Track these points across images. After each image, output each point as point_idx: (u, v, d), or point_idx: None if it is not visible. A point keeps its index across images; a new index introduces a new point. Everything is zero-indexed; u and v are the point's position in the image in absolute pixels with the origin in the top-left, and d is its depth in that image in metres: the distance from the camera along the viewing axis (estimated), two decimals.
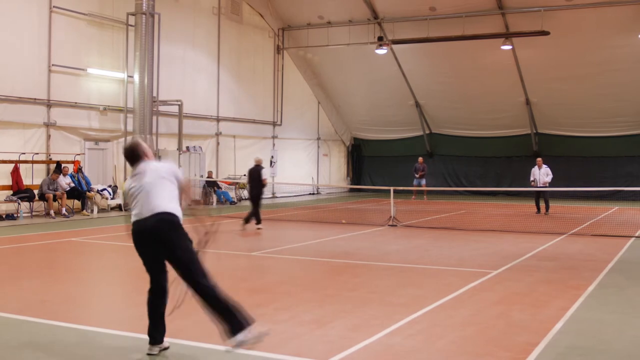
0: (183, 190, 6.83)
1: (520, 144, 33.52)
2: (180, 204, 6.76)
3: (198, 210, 7.04)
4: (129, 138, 23.98)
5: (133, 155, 6.89)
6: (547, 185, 22.76)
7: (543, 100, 31.77)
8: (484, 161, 34.41)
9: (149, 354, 6.57)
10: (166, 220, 6.53)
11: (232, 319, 6.28)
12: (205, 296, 6.37)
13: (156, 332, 6.63)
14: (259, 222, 17.82)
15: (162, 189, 6.64)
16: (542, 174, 22.88)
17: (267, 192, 31.61)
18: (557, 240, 16.20)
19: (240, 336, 6.23)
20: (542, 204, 23.19)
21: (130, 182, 6.82)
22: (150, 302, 6.67)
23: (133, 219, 6.71)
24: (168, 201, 6.60)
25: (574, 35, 28.17)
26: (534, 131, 33.30)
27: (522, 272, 11.67)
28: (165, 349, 6.66)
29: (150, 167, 6.79)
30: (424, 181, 31.16)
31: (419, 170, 31.44)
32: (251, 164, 18.18)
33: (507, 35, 28.83)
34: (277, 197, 32.18)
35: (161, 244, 6.52)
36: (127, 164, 22.17)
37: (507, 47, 29.33)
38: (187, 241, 6.53)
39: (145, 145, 6.95)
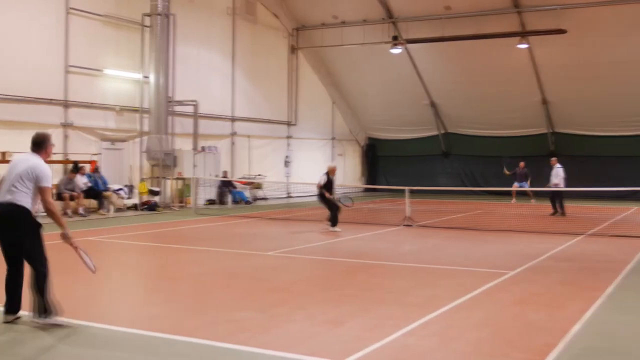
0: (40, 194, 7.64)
1: (537, 144, 33.31)
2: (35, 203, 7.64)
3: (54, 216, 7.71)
4: (145, 138, 24.12)
5: (34, 144, 7.87)
6: (558, 186, 22.48)
7: (560, 99, 31.59)
8: (499, 161, 34.21)
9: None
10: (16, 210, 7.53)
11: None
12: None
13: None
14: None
15: (20, 184, 7.56)
16: (552, 175, 22.70)
17: (282, 192, 31.72)
18: (574, 241, 16.08)
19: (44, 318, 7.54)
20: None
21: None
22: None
23: None
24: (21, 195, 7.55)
25: (591, 33, 27.96)
26: (550, 130, 33.14)
27: (539, 273, 11.60)
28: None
29: (28, 160, 7.70)
30: (526, 185, 28.35)
31: (520, 176, 28.85)
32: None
33: (523, 34, 28.70)
34: (292, 196, 32.16)
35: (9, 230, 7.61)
36: (144, 164, 22.50)
37: (523, 46, 29.16)
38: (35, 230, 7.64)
39: (48, 144, 7.92)
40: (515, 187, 28.29)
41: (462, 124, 35.23)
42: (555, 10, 26.98)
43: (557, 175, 22.54)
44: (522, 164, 28.98)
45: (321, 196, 18.24)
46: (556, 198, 22.90)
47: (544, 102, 32.06)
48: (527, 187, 27.94)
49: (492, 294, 9.76)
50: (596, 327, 7.85)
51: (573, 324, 7.87)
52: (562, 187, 22.62)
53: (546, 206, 24.09)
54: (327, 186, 18.31)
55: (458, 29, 28.89)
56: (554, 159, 23.44)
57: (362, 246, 15.11)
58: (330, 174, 18.45)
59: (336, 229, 17.74)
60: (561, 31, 26.80)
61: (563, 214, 22.61)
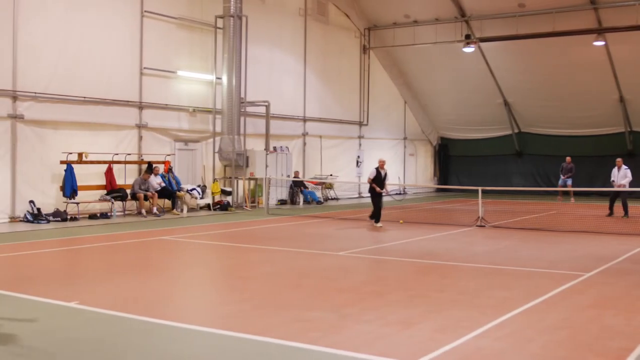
0: None
1: (614, 143, 32.45)
2: None
3: None
4: (218, 139, 24.47)
5: None
6: (625, 186, 22.02)
7: (638, 97, 30.69)
8: (575, 161, 33.44)
9: None
10: None
11: None
12: None
13: None
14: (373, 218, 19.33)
15: None
16: (620, 176, 22.19)
17: (353, 192, 31.77)
18: None
19: None
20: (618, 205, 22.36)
21: None
22: None
23: None
24: None
25: None
26: (629, 129, 32.25)
27: (616, 275, 11.31)
28: None
29: None
30: (570, 181, 28.97)
31: (566, 171, 29.32)
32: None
33: (600, 31, 28.02)
34: (363, 196, 32.12)
35: None
36: (217, 164, 22.88)
37: (600, 43, 28.49)
38: None
39: None
40: (561, 186, 28.79)
41: (536, 123, 34.60)
42: (633, 6, 26.25)
43: (626, 176, 22.08)
44: (568, 158, 28.83)
45: (371, 190, 19.19)
46: (619, 199, 22.39)
47: (622, 100, 31.21)
48: (570, 185, 28.38)
49: (567, 296, 9.55)
50: None
51: None
52: (627, 188, 22.12)
53: (616, 207, 23.25)
54: (377, 180, 19.08)
55: (532, 26, 28.40)
56: (619, 159, 22.84)
57: (434, 247, 14.99)
58: (379, 168, 19.25)
59: (379, 224, 18.82)
60: (639, 27, 26.04)
61: (626, 214, 22.03)
